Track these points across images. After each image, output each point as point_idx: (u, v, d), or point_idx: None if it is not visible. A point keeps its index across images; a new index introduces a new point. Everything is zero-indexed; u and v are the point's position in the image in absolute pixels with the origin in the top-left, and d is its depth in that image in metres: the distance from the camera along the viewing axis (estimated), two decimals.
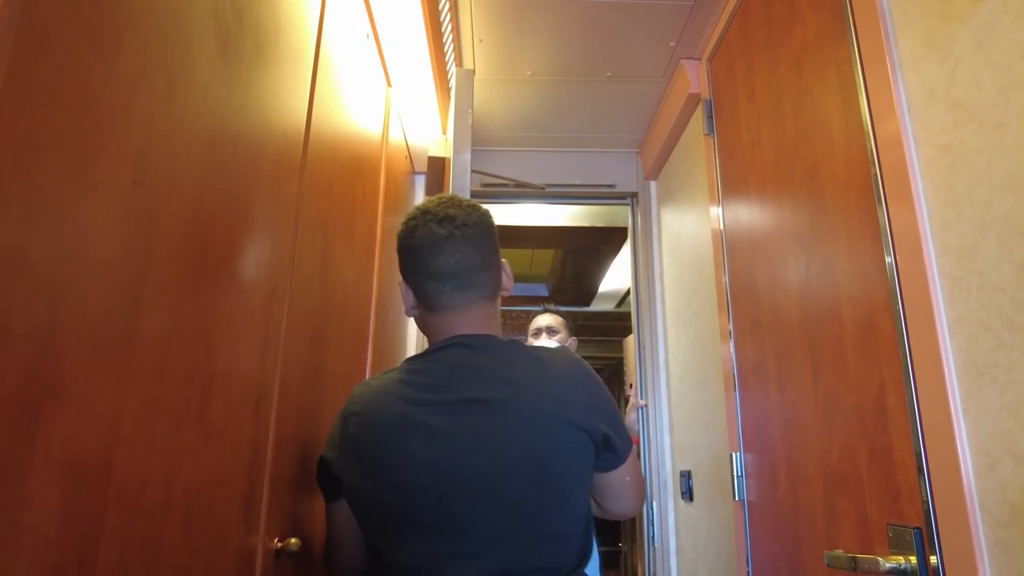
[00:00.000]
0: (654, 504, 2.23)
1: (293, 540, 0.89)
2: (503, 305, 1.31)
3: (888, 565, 0.87)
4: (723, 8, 1.68)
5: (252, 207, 0.78)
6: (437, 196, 0.95)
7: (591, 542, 0.87)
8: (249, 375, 0.78)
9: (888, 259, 0.95)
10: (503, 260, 0.97)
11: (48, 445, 0.42)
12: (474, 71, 2.00)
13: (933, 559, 0.83)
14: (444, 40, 1.76)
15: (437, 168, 2.09)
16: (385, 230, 1.74)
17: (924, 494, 0.85)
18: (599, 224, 3.20)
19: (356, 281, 1.41)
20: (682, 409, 2.10)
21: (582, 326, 5.28)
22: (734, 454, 1.52)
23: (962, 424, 0.80)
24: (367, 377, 1.51)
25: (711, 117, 1.78)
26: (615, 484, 0.92)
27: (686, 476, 2.00)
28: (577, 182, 2.50)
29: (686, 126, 2.07)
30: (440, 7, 1.63)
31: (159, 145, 0.56)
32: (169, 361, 0.58)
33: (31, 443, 0.41)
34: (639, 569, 2.36)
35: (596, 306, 5.13)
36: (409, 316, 0.96)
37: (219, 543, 0.70)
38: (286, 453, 0.92)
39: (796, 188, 1.26)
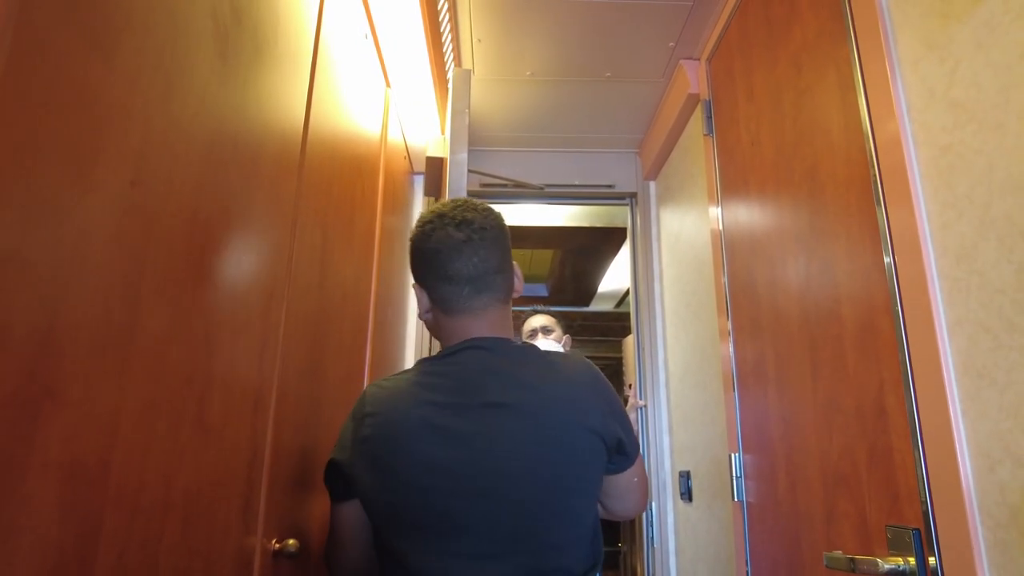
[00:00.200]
0: (653, 504, 2.23)
1: (291, 541, 0.89)
2: None
3: (887, 566, 0.87)
4: (722, 8, 1.68)
5: (251, 207, 0.78)
6: (451, 200, 0.96)
7: (601, 547, 0.87)
8: (248, 375, 0.78)
9: (887, 259, 0.95)
10: (514, 263, 0.98)
11: (47, 446, 0.42)
12: (472, 71, 2.00)
13: (932, 560, 0.83)
14: (443, 40, 1.76)
15: (435, 168, 2.09)
16: (384, 230, 1.73)
17: (923, 495, 0.85)
18: (598, 224, 3.20)
19: (355, 281, 1.41)
20: (681, 409, 2.10)
21: (581, 326, 5.29)
22: (733, 455, 1.52)
23: (961, 425, 0.80)
24: (366, 377, 1.51)
25: (710, 117, 1.79)
26: (623, 485, 0.92)
27: (685, 476, 2.00)
28: (576, 182, 2.50)
29: (685, 126, 2.07)
30: (439, 7, 1.63)
31: (157, 145, 0.56)
32: (168, 361, 0.58)
33: (30, 443, 0.41)
34: (638, 569, 2.36)
35: (595, 306, 5.14)
36: (423, 319, 0.96)
37: (217, 544, 0.70)
38: (284, 454, 0.92)
39: (795, 188, 1.26)
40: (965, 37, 0.82)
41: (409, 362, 2.16)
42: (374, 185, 1.65)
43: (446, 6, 1.64)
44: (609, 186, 2.50)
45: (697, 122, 1.93)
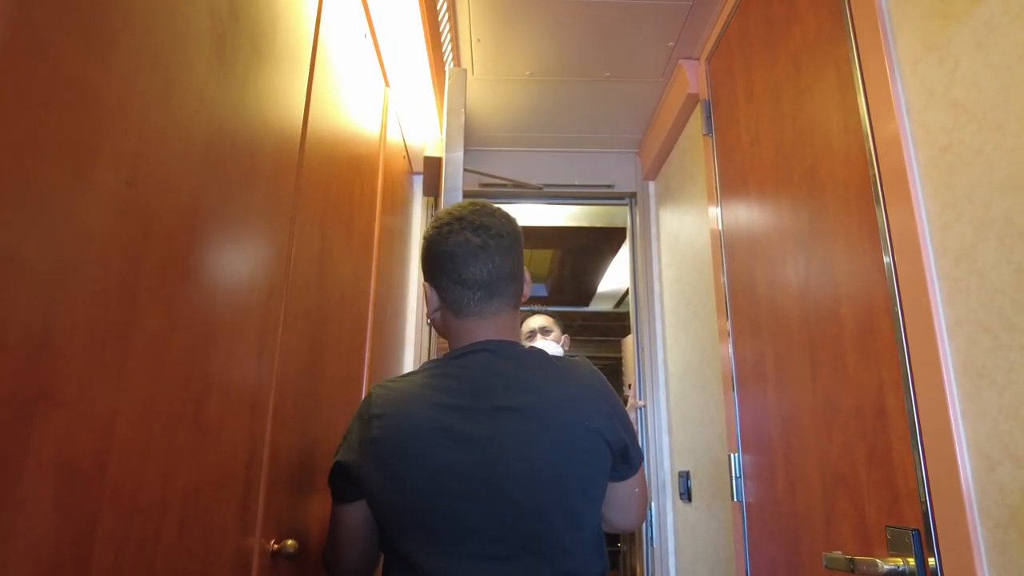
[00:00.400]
0: (653, 504, 2.22)
1: (290, 542, 0.89)
2: None
3: (886, 567, 0.87)
4: (722, 8, 1.68)
5: (249, 207, 0.78)
6: (468, 202, 0.96)
7: (606, 555, 0.87)
8: (246, 375, 0.78)
9: (887, 260, 0.95)
10: (524, 268, 0.98)
11: (43, 446, 0.42)
12: (469, 70, 2.00)
13: (932, 561, 0.83)
14: (442, 40, 1.76)
15: (433, 168, 2.09)
16: (383, 230, 1.73)
17: (923, 496, 0.85)
18: (598, 224, 3.20)
19: (354, 281, 1.41)
20: (680, 409, 2.10)
21: (581, 326, 5.29)
22: (732, 455, 1.52)
23: (961, 425, 0.80)
24: (365, 377, 1.51)
25: (710, 117, 1.78)
26: (623, 495, 0.92)
27: (684, 476, 2.00)
28: (576, 182, 2.50)
29: (685, 126, 2.07)
30: (438, 6, 1.63)
31: (155, 144, 0.56)
32: (165, 362, 0.58)
33: (26, 444, 0.41)
34: (638, 569, 2.36)
35: (595, 306, 5.14)
36: (430, 318, 0.96)
37: (215, 544, 0.70)
38: (283, 454, 0.92)
39: (795, 188, 1.25)
40: (965, 37, 0.82)
41: (408, 362, 2.15)
42: (373, 185, 1.65)
43: (445, 6, 1.64)
44: (608, 186, 2.50)
45: (697, 122, 1.93)
